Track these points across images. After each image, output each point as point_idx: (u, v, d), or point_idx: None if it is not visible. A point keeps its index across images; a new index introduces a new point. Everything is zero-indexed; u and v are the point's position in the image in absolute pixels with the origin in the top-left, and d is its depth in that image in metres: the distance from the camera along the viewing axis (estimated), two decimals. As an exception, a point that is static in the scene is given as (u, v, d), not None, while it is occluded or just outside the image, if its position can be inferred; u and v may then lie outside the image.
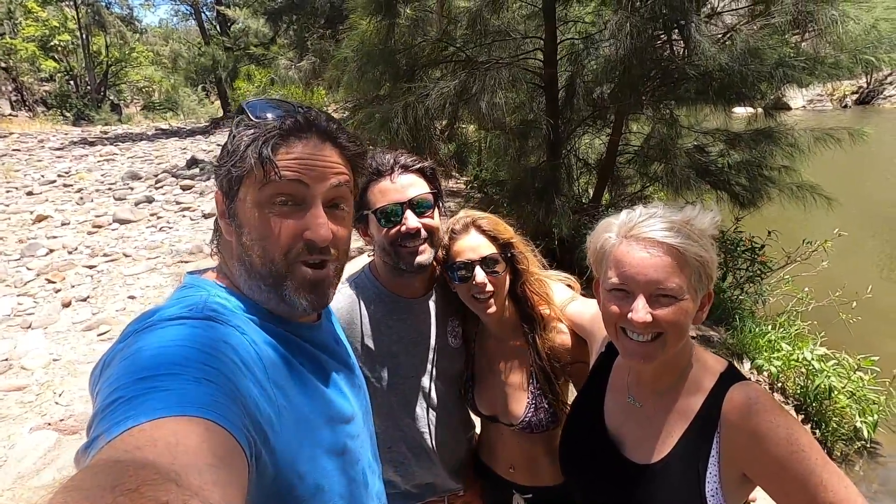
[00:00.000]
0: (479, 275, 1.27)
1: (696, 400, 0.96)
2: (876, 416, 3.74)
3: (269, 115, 0.80)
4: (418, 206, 1.27)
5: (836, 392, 3.79)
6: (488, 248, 1.29)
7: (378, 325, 1.38)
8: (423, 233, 1.27)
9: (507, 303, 1.37)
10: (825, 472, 0.82)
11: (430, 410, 1.42)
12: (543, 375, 1.34)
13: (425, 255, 1.28)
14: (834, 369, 3.89)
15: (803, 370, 4.02)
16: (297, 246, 0.78)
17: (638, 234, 0.93)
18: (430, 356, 1.41)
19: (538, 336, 1.34)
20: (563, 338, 1.35)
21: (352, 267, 1.47)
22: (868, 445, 3.77)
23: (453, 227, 1.33)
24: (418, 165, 1.30)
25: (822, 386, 3.81)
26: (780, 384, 4.07)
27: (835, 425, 3.79)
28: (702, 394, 0.96)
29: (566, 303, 1.37)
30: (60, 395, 3.52)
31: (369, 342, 1.37)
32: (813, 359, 3.94)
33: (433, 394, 1.42)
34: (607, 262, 0.98)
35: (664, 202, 1.04)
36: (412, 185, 1.27)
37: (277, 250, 0.77)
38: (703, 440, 0.93)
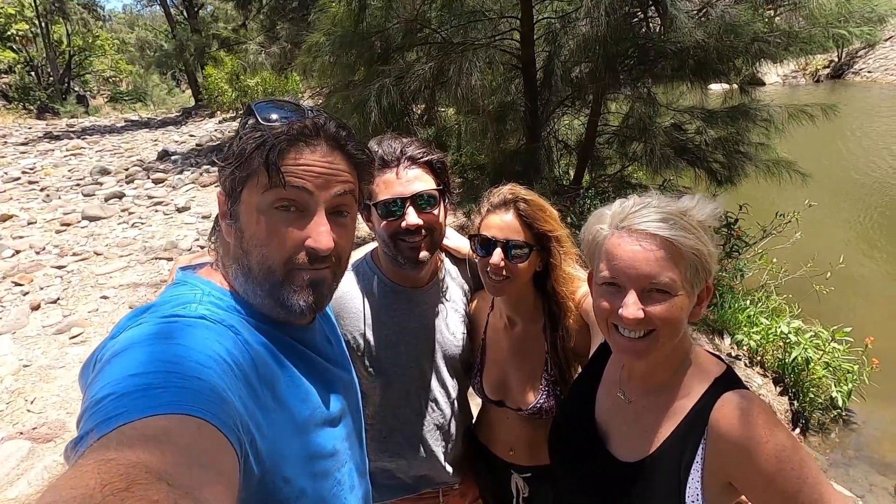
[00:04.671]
0: (496, 255, 1.22)
1: (687, 402, 0.92)
2: (850, 385, 3.85)
3: (277, 118, 0.77)
4: (421, 202, 1.22)
5: (812, 363, 3.89)
6: (516, 233, 1.23)
7: (378, 314, 1.35)
8: (424, 229, 1.22)
9: (530, 292, 1.33)
10: (815, 491, 0.79)
11: (429, 402, 1.41)
12: (557, 365, 1.31)
13: (425, 252, 1.25)
14: (810, 341, 3.99)
15: (781, 343, 4.11)
16: (299, 255, 0.77)
17: (630, 226, 0.88)
18: (432, 347, 1.39)
19: (558, 333, 1.31)
20: (579, 331, 1.32)
21: (356, 254, 1.43)
22: (843, 414, 3.89)
23: (492, 198, 1.28)
24: (426, 158, 1.24)
25: (800, 358, 3.90)
26: (759, 358, 4.16)
27: (812, 395, 3.90)
28: (693, 396, 0.92)
29: (583, 296, 1.33)
30: (32, 402, 3.41)
31: (368, 332, 1.34)
32: (789, 332, 4.03)
33: (433, 385, 1.40)
34: (599, 254, 0.94)
35: (658, 191, 0.99)
36: (417, 180, 1.22)
37: (278, 257, 0.76)
38: (688, 445, 0.89)
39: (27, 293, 5.06)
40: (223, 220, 0.81)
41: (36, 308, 4.73)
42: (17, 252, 6.12)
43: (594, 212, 0.99)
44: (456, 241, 1.48)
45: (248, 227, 0.77)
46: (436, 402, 1.41)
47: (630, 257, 0.87)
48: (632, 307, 0.86)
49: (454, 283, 1.46)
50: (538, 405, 1.32)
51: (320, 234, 0.77)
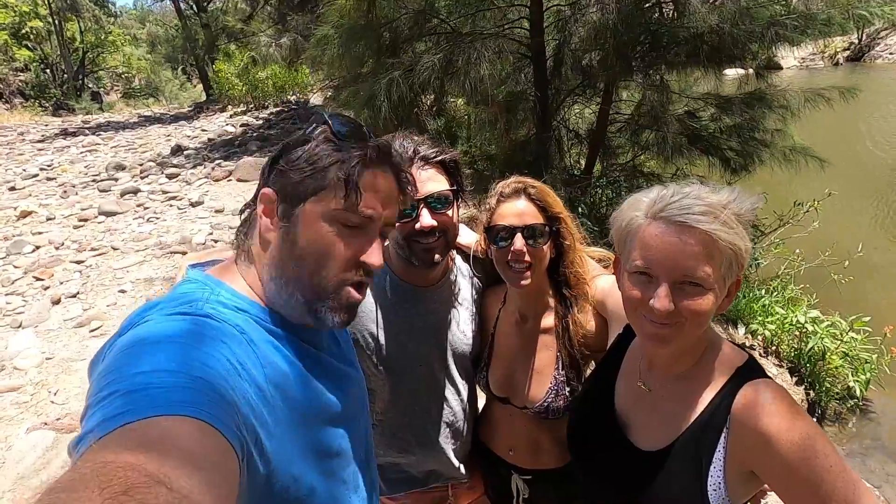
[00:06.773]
0: (518, 242, 1.21)
1: (708, 392, 0.92)
2: (868, 375, 3.80)
3: (349, 135, 0.81)
4: (435, 203, 1.21)
5: (829, 353, 3.84)
6: (534, 218, 1.23)
7: (388, 313, 1.35)
8: (438, 231, 1.22)
9: (546, 283, 1.32)
10: (839, 479, 0.78)
11: (439, 400, 1.41)
12: (571, 362, 1.29)
13: (439, 255, 1.25)
14: (827, 331, 3.93)
15: (797, 333, 4.05)
16: (352, 270, 0.80)
17: (669, 216, 0.86)
18: (442, 345, 1.39)
19: (572, 321, 1.29)
20: (594, 324, 1.30)
21: None
22: (860, 403, 3.84)
23: (502, 189, 1.28)
24: (439, 158, 1.23)
25: (816, 348, 3.85)
26: (774, 348, 4.11)
27: (828, 385, 3.85)
28: (714, 386, 0.92)
29: (594, 281, 1.31)
30: (56, 393, 3.50)
31: (378, 330, 1.34)
32: (806, 321, 3.98)
33: (442, 383, 1.40)
34: (632, 242, 0.92)
35: (698, 181, 0.97)
36: (430, 180, 1.21)
37: (335, 268, 0.79)
38: (709, 434, 0.89)
39: (48, 288, 5.17)
40: (269, 217, 0.80)
41: (56, 302, 4.84)
42: (37, 248, 6.24)
43: (629, 197, 0.97)
44: (467, 237, 1.46)
45: (307, 233, 0.78)
46: (446, 399, 1.41)
47: (666, 248, 0.86)
48: (663, 299, 0.85)
49: (465, 280, 1.45)
50: (545, 404, 1.30)
51: (376, 252, 0.81)
